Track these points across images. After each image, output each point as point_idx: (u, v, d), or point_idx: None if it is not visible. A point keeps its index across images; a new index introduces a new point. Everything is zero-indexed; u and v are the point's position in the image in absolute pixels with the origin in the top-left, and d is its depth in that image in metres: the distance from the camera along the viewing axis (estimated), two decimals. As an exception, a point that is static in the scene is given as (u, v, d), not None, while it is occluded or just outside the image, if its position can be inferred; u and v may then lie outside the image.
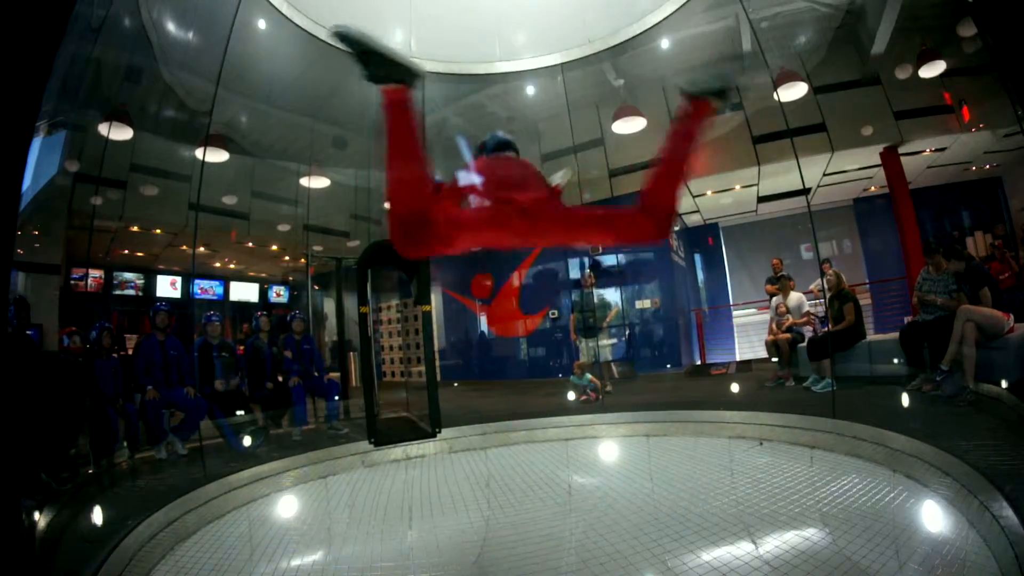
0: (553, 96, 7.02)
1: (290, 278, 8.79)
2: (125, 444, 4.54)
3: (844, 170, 7.44)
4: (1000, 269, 5.54)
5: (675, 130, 1.68)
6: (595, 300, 6.89)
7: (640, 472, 4.05)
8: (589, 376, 6.16)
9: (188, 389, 4.83)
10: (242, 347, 5.95)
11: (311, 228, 7.71)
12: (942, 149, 6.90)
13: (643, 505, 3.24)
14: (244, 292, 8.51)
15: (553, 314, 8.96)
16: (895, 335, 4.89)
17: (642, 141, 7.38)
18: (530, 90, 7.31)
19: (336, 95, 7.00)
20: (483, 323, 9.52)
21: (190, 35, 5.37)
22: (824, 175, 7.54)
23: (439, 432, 5.00)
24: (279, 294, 8.70)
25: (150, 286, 7.35)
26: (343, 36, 1.37)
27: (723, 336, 9.26)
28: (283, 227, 7.94)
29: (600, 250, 8.41)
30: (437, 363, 6.80)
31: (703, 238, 10.00)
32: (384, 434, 4.94)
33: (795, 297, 5.96)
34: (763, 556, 2.44)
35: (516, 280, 9.27)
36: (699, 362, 8.75)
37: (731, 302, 9.71)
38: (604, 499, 3.45)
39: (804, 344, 5.63)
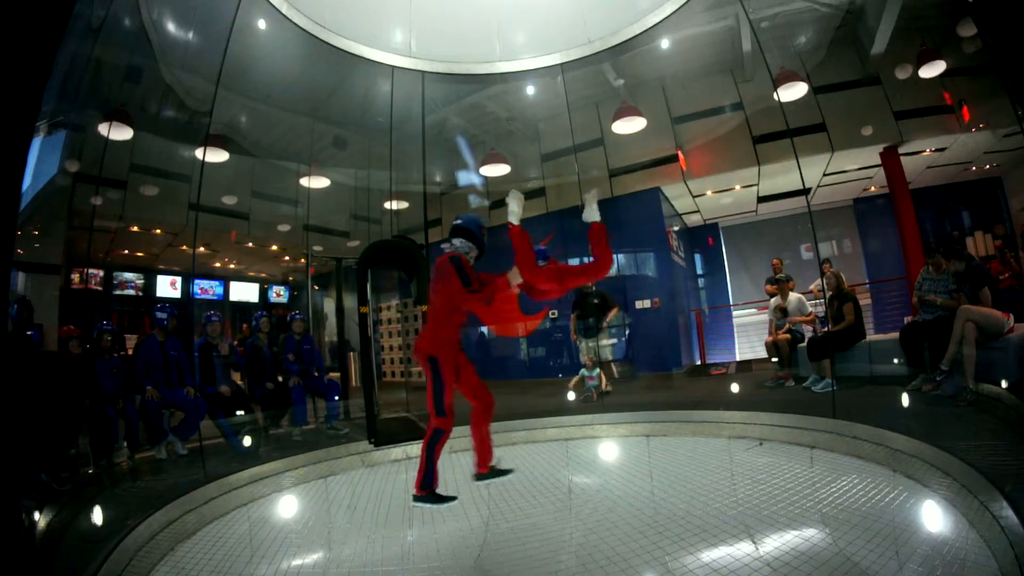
0: (553, 96, 7.01)
1: (290, 278, 8.79)
2: (125, 444, 4.54)
3: (844, 170, 7.44)
4: (1000, 269, 5.55)
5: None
6: (595, 300, 6.90)
7: (640, 473, 4.05)
8: (598, 370, 6.23)
9: (188, 389, 4.83)
10: (237, 342, 5.95)
11: (311, 228, 7.70)
12: (942, 149, 6.90)
13: (643, 506, 3.24)
14: (244, 292, 8.51)
15: (553, 314, 8.94)
16: (895, 335, 4.89)
17: (642, 141, 7.39)
18: (530, 90, 7.30)
19: (336, 95, 6.99)
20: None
21: (190, 35, 5.37)
22: (824, 175, 7.54)
23: (439, 432, 4.98)
24: (279, 294, 8.70)
25: (150, 286, 7.35)
26: None
27: (723, 336, 9.25)
28: (283, 227, 7.94)
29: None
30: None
31: (703, 238, 9.99)
32: (384, 434, 4.94)
33: (794, 298, 5.96)
34: (763, 557, 2.44)
35: (516, 280, 9.22)
36: (699, 362, 8.74)
37: (731, 302, 9.69)
38: (604, 500, 3.45)
39: (804, 344, 5.63)
